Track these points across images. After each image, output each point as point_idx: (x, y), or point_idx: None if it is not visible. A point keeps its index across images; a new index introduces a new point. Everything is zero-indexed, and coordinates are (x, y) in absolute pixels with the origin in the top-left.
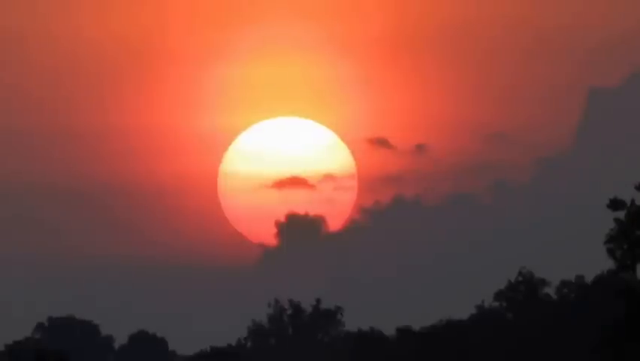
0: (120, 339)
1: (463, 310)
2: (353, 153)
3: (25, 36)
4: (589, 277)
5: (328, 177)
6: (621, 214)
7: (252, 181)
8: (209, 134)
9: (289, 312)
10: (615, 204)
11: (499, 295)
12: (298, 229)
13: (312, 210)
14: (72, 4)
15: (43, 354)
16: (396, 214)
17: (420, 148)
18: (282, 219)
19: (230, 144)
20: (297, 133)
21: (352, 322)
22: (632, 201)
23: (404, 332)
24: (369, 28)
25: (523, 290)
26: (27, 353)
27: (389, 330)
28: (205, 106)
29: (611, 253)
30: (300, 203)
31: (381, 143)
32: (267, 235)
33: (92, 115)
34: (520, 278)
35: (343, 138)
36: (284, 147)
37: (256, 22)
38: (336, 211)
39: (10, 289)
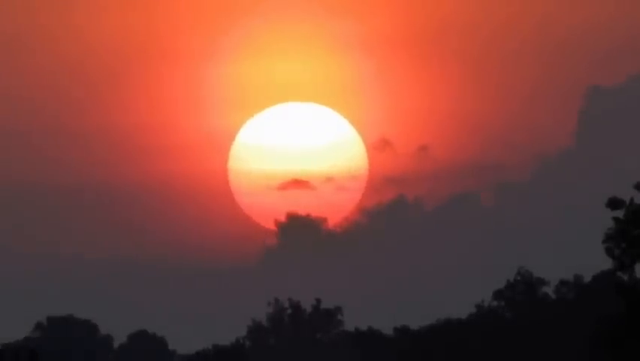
0: (119, 338)
1: (462, 310)
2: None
3: (26, 37)
4: (587, 277)
5: (330, 178)
6: (620, 213)
7: (253, 180)
8: (213, 131)
9: (289, 312)
10: (614, 203)
11: (498, 295)
12: (299, 229)
13: (314, 210)
14: (71, 4)
15: (17, 353)
16: (397, 215)
17: (422, 149)
18: (283, 218)
19: (233, 140)
20: (298, 129)
21: (352, 322)
22: (631, 200)
23: (403, 332)
24: (371, 29)
25: (522, 290)
26: (25, 352)
27: (390, 330)
28: (208, 102)
29: (609, 252)
30: (302, 203)
31: (384, 144)
32: (267, 233)
33: (94, 115)
34: (519, 278)
35: (352, 137)
36: (286, 144)
37: (256, 18)
38: (337, 211)
39: (9, 289)
